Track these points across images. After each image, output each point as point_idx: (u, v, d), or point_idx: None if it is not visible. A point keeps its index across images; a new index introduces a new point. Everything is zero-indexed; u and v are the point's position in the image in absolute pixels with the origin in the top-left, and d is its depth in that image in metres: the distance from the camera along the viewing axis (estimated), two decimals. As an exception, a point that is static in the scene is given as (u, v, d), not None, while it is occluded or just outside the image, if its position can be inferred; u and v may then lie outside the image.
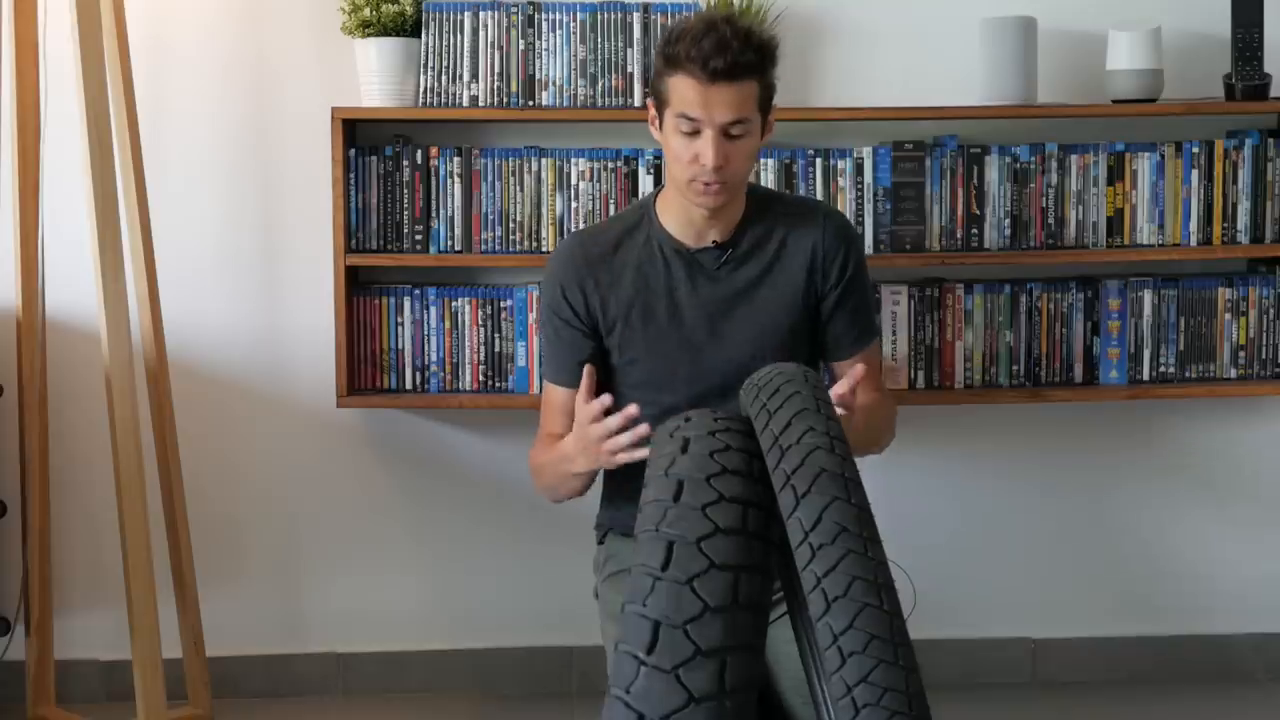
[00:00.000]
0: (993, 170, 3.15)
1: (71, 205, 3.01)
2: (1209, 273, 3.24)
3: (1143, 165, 3.17)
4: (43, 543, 3.04)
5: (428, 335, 3.14)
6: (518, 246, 3.12)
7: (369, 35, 3.03)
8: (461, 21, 3.08)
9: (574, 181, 3.11)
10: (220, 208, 3.21)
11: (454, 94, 3.09)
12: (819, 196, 3.11)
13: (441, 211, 3.11)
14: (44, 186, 3.00)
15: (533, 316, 3.10)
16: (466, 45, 3.08)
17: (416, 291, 3.14)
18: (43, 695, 3.06)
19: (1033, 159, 3.16)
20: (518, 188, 3.11)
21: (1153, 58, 3.10)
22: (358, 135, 3.15)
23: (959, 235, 3.15)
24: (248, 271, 3.23)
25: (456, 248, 3.11)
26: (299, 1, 3.16)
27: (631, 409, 2.14)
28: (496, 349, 3.14)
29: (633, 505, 1.79)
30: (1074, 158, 3.17)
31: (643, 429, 2.13)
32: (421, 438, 3.29)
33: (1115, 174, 3.17)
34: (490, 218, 3.12)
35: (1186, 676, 3.36)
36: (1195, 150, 3.17)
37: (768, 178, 3.10)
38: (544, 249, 3.10)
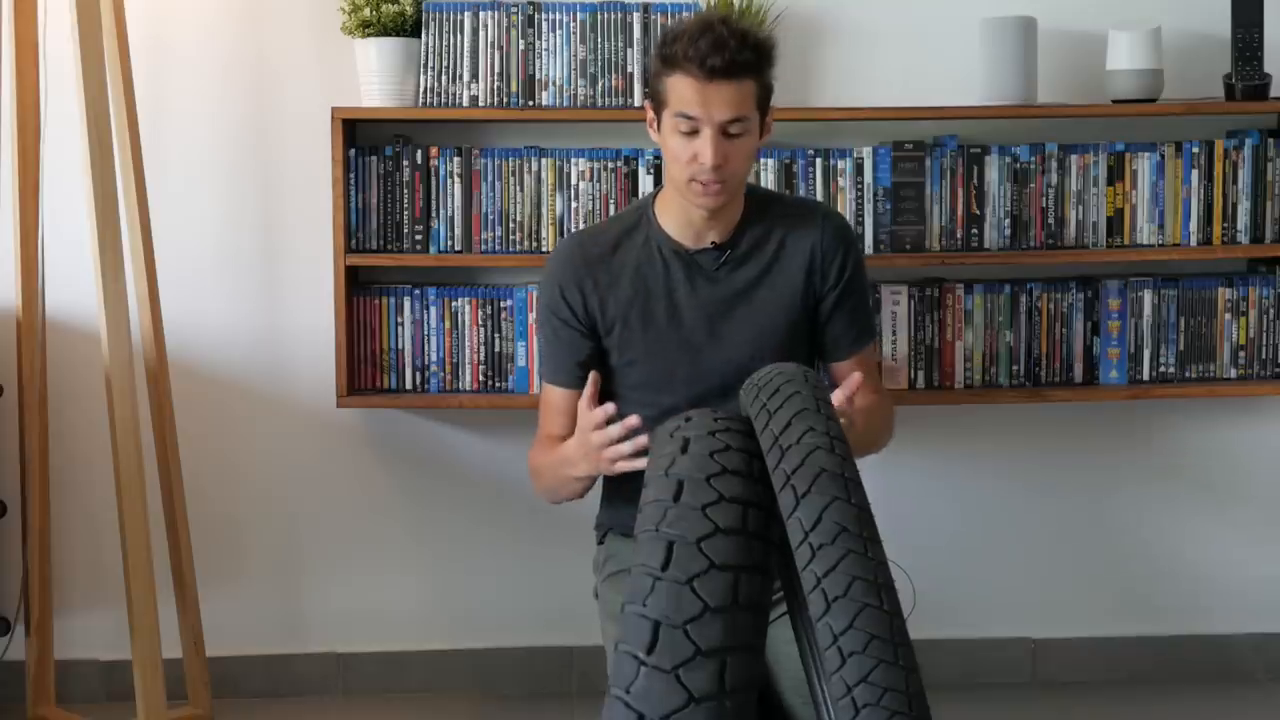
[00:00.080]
0: (993, 170, 3.15)
1: (71, 205, 3.01)
2: (1209, 273, 3.24)
3: (1143, 165, 3.17)
4: (43, 543, 3.04)
5: (428, 335, 3.14)
6: (518, 246, 3.12)
7: (369, 35, 3.03)
8: (461, 21, 3.08)
9: (574, 181, 3.11)
10: (220, 208, 3.21)
11: (454, 94, 3.09)
12: (819, 196, 3.11)
13: (441, 211, 3.11)
14: (44, 186, 3.00)
15: (532, 316, 3.10)
16: (466, 45, 3.08)
17: (416, 291, 3.14)
18: (43, 695, 3.06)
19: (1033, 159, 3.16)
20: (518, 188, 3.11)
21: (1153, 58, 3.10)
22: (358, 135, 3.15)
23: (959, 235, 3.15)
24: (248, 271, 3.23)
25: (456, 248, 3.11)
26: (299, 1, 3.16)
27: (632, 420, 2.14)
28: (496, 349, 3.14)
29: (632, 505, 1.79)
30: (1074, 158, 3.17)
31: (642, 440, 2.12)
32: (421, 438, 3.29)
33: (1115, 174, 3.17)
34: (490, 218, 3.12)
35: (1186, 676, 3.36)
36: (1195, 150, 3.17)
37: (768, 178, 3.10)
38: (544, 249, 3.10)
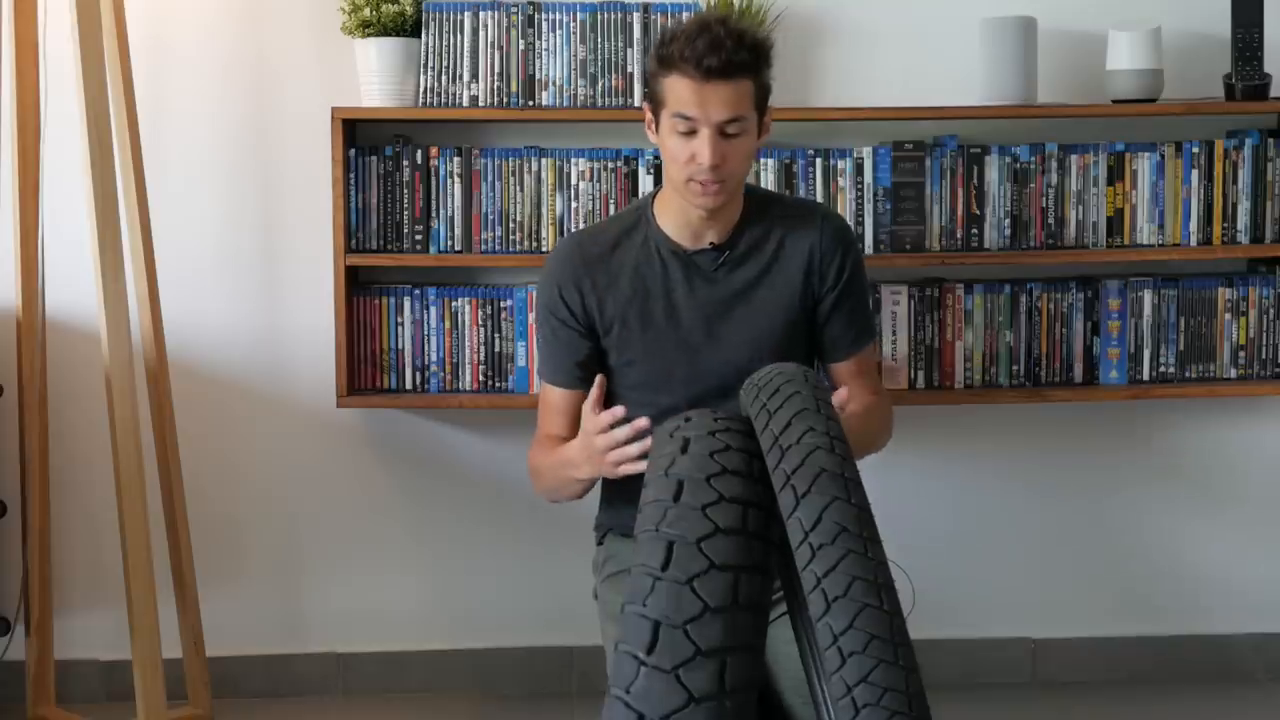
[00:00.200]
0: (993, 170, 3.15)
1: (71, 205, 3.01)
2: (1209, 273, 3.24)
3: (1143, 165, 3.17)
4: (43, 543, 3.04)
5: (428, 335, 3.14)
6: (518, 246, 3.12)
7: (369, 35, 3.03)
8: (461, 21, 3.08)
9: (574, 181, 3.11)
10: (220, 208, 3.21)
11: (454, 94, 3.09)
12: (819, 197, 3.11)
13: (441, 211, 3.11)
14: (44, 186, 3.00)
15: (532, 317, 3.10)
16: (466, 45, 3.08)
17: (416, 291, 3.14)
18: (43, 695, 3.06)
19: (1033, 159, 3.16)
20: (518, 188, 3.11)
21: (1153, 58, 3.10)
22: (358, 135, 3.15)
23: (959, 235, 3.15)
24: (248, 271, 3.23)
25: (456, 248, 3.11)
26: (299, 1, 3.16)
27: (642, 422, 2.14)
28: (496, 349, 3.14)
29: (632, 506, 1.79)
30: (1074, 158, 3.17)
31: (649, 442, 2.12)
32: (421, 438, 3.29)
33: (1115, 174, 3.17)
34: (490, 218, 3.12)
35: (1186, 676, 3.36)
36: (1195, 150, 3.17)
37: (767, 178, 3.10)
38: (544, 249, 3.10)
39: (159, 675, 2.74)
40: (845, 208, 3.12)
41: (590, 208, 3.11)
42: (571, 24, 3.09)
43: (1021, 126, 3.22)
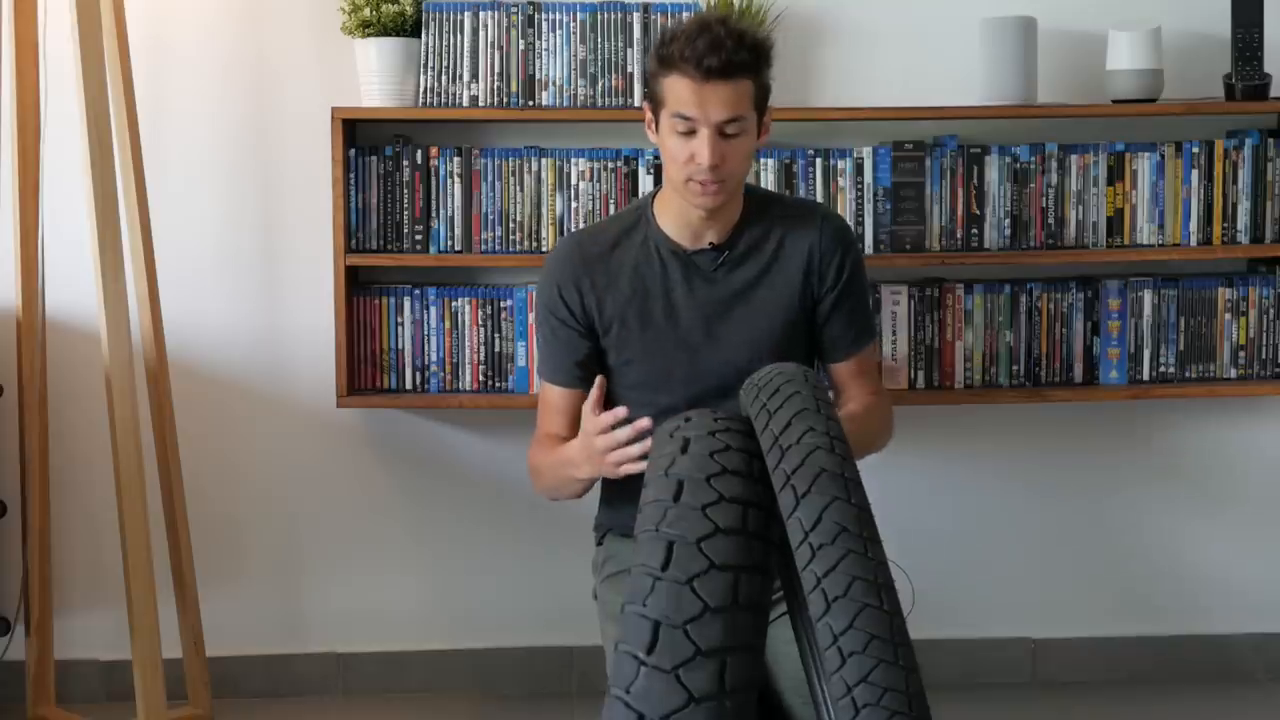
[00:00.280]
0: (993, 170, 3.15)
1: (71, 205, 3.01)
2: (1209, 273, 3.24)
3: (1143, 165, 3.17)
4: (43, 543, 3.04)
5: (428, 335, 3.14)
6: (518, 246, 3.12)
7: (369, 35, 3.03)
8: (461, 21, 3.08)
9: (574, 181, 3.11)
10: (220, 208, 3.21)
11: (454, 94, 3.09)
12: (819, 197, 3.11)
13: (441, 211, 3.11)
14: (44, 186, 3.00)
15: (532, 316, 3.09)
16: (466, 45, 3.08)
17: (416, 291, 3.14)
18: (43, 695, 3.06)
19: (1033, 159, 3.16)
20: (518, 188, 3.11)
21: (1153, 58, 3.10)
22: (358, 135, 3.15)
23: (959, 235, 3.15)
24: (248, 271, 3.23)
25: (456, 248, 3.11)
26: (299, 1, 3.16)
27: (644, 422, 2.13)
28: (496, 349, 3.14)
29: (632, 506, 1.79)
30: (1074, 158, 3.17)
31: (650, 443, 2.12)
32: (421, 438, 3.29)
33: (1115, 174, 3.17)
34: (490, 218, 3.12)
35: (1186, 676, 3.36)
36: (1195, 150, 3.17)
37: (767, 178, 3.10)
38: (544, 249, 3.10)
39: (159, 675, 2.74)
40: (845, 208, 3.12)
41: (590, 208, 3.11)
42: (571, 24, 3.09)
43: (1021, 126, 3.22)
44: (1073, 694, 3.33)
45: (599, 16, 3.09)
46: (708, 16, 2.28)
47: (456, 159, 3.11)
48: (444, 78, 3.08)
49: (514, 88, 3.09)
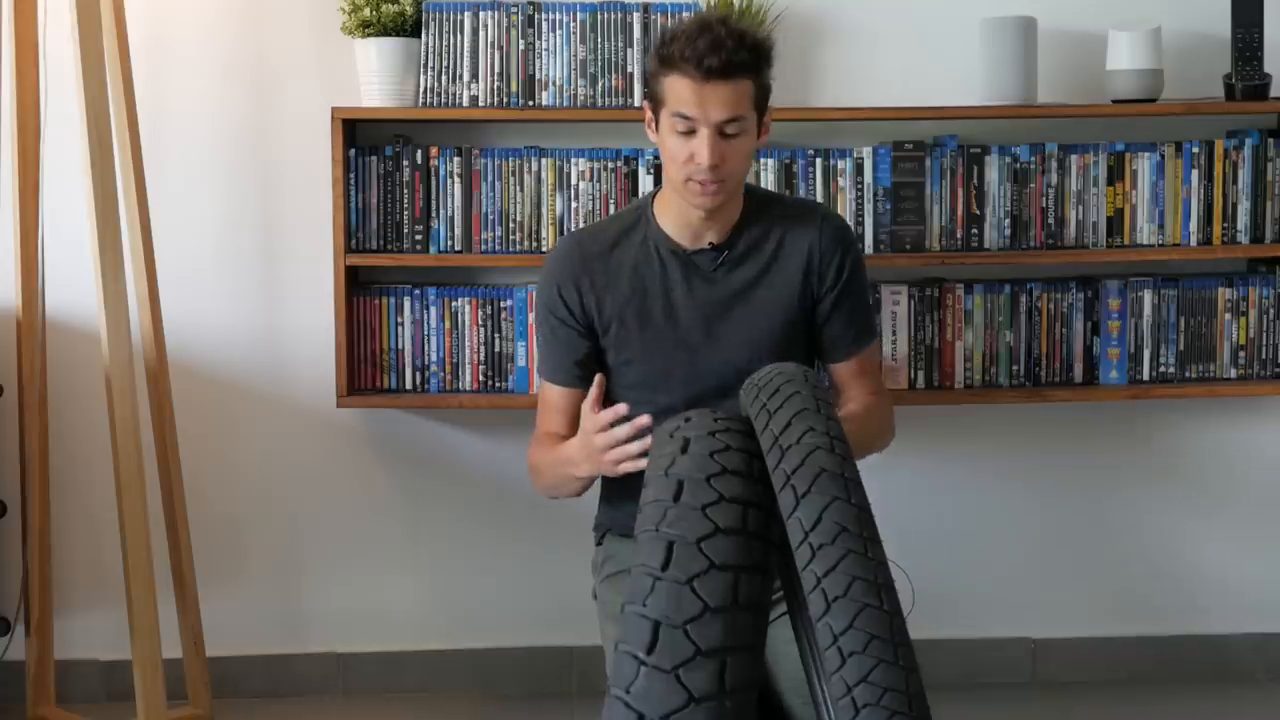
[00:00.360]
0: (993, 170, 3.15)
1: (71, 205, 3.01)
2: (1209, 273, 3.24)
3: (1143, 165, 3.17)
4: (43, 543, 3.04)
5: (428, 335, 3.14)
6: (518, 246, 3.12)
7: (369, 35, 3.03)
8: (461, 21, 3.08)
9: (574, 181, 3.11)
10: (220, 208, 3.21)
11: (454, 94, 3.09)
12: (819, 197, 3.11)
13: (441, 211, 3.11)
14: (44, 186, 3.00)
15: (532, 316, 3.09)
16: (466, 45, 3.08)
17: (416, 291, 3.14)
18: (43, 695, 3.06)
19: (1033, 159, 3.16)
20: (518, 188, 3.11)
21: (1153, 58, 3.10)
22: (358, 135, 3.15)
23: (959, 235, 3.15)
24: (248, 271, 3.23)
25: (456, 248, 3.11)
26: (299, 1, 3.16)
27: (643, 419, 2.14)
28: (496, 349, 3.14)
29: (631, 506, 1.79)
30: (1074, 158, 3.17)
31: (650, 440, 2.12)
32: (421, 438, 3.29)
33: (1115, 174, 3.17)
34: (490, 218, 3.12)
35: (1186, 676, 3.36)
36: (1195, 150, 3.17)
37: (767, 178, 3.10)
38: (544, 249, 3.10)
39: (159, 675, 2.74)
40: (845, 208, 3.12)
41: (590, 208, 3.11)
42: (571, 24, 3.09)
43: (1021, 126, 3.22)
44: (1072, 694, 3.33)
45: (599, 16, 3.09)
46: (708, 16, 2.28)
47: (456, 159, 3.11)
48: (444, 78, 3.08)
49: (514, 88, 3.10)
